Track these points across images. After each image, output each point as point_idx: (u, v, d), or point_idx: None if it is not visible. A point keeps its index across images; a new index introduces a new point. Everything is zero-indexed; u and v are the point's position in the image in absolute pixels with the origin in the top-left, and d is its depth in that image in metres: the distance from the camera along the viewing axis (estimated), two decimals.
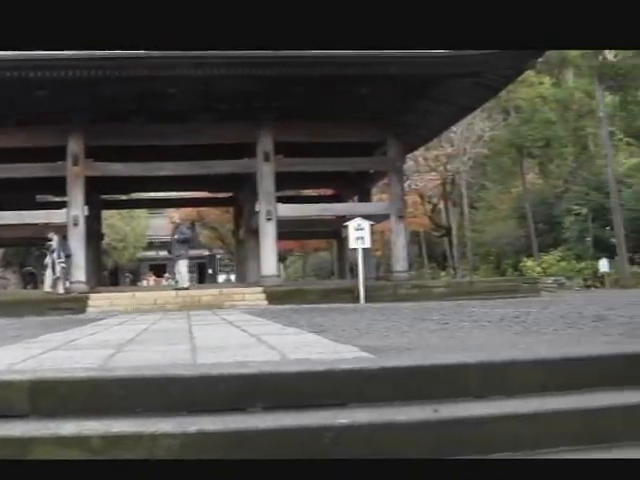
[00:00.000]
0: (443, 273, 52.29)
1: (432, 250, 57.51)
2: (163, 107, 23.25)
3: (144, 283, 56.66)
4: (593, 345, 6.03)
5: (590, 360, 5.10)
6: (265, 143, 23.76)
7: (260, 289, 22.18)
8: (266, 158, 23.72)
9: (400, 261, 24.87)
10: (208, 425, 3.91)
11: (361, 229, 21.53)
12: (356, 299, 20.63)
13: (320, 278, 54.75)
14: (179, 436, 3.79)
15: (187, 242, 24.09)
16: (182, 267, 23.70)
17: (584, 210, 43.20)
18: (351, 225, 21.71)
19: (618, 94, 51.40)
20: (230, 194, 34.61)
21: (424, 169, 47.52)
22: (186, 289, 22.79)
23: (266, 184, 23.79)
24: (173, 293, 22.27)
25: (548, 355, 5.22)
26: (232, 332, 9.03)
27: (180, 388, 4.24)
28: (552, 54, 45.57)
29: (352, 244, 21.87)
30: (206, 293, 22.54)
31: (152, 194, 40.66)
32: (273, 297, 21.07)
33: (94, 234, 28.96)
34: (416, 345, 6.30)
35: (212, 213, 52.57)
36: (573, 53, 47.09)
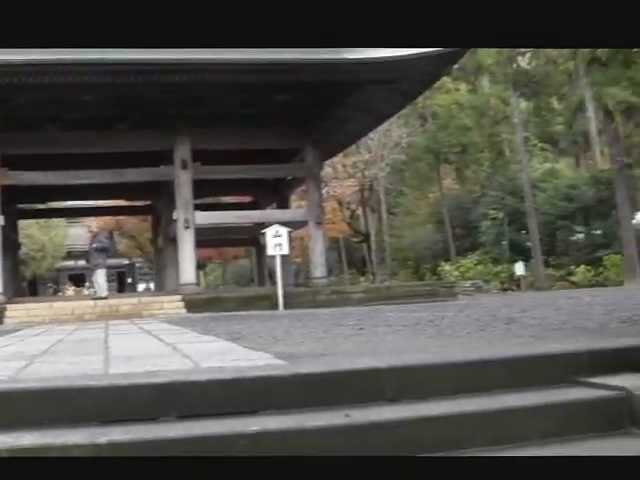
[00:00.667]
0: (362, 278, 52.67)
1: (351, 256, 57.91)
2: (79, 115, 22.98)
3: (66, 293, 55.87)
4: (504, 347, 6.14)
5: (501, 362, 5.19)
6: (183, 151, 23.62)
7: (179, 297, 22.04)
8: (184, 166, 23.57)
9: (319, 267, 24.98)
10: (120, 435, 3.87)
11: (279, 236, 21.55)
12: (275, 306, 20.65)
13: (240, 285, 54.75)
14: (89, 447, 3.75)
15: (105, 251, 23.86)
16: (100, 277, 23.44)
17: (500, 214, 44.02)
18: (269, 232, 21.71)
19: (532, 100, 52.59)
20: (148, 202, 34.32)
21: (342, 176, 47.85)
22: (104, 299, 22.54)
23: (184, 192, 23.64)
24: (92, 303, 22.00)
25: (460, 358, 5.30)
26: (148, 341, 8.97)
27: (91, 399, 4.19)
28: (468, 61, 46.33)
29: (270, 251, 21.89)
30: (125, 302, 22.32)
31: (70, 203, 40.06)
32: (192, 305, 20.97)
33: (11, 244, 28.39)
34: (331, 351, 6.35)
35: (131, 222, 52.19)
36: (488, 60, 47.99)
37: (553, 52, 43.53)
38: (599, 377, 5.12)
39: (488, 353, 5.59)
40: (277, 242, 21.55)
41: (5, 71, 19.33)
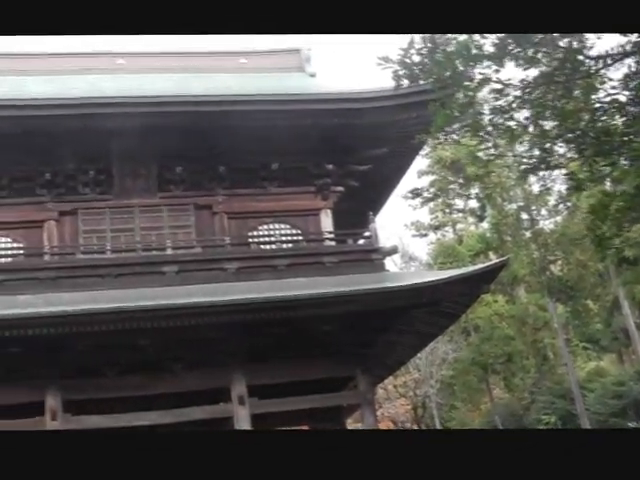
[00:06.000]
0: None
1: None
2: (134, 359, 23.54)
3: None
4: None
5: None
6: (239, 387, 23.98)
7: None
8: (241, 402, 23.89)
9: None
10: None
11: None
12: None
13: None
14: None
15: None
16: None
17: (552, 418, 43.83)
18: None
19: (568, 304, 53.35)
20: None
21: (394, 395, 48.03)
22: None
23: (243, 427, 23.86)
24: None
25: None
26: None
27: None
28: (503, 274, 47.48)
29: None
30: None
31: None
32: None
33: None
34: None
35: None
36: (522, 271, 49.23)
37: (583, 256, 44.71)
38: None
39: None
40: None
41: (63, 322, 20.36)
